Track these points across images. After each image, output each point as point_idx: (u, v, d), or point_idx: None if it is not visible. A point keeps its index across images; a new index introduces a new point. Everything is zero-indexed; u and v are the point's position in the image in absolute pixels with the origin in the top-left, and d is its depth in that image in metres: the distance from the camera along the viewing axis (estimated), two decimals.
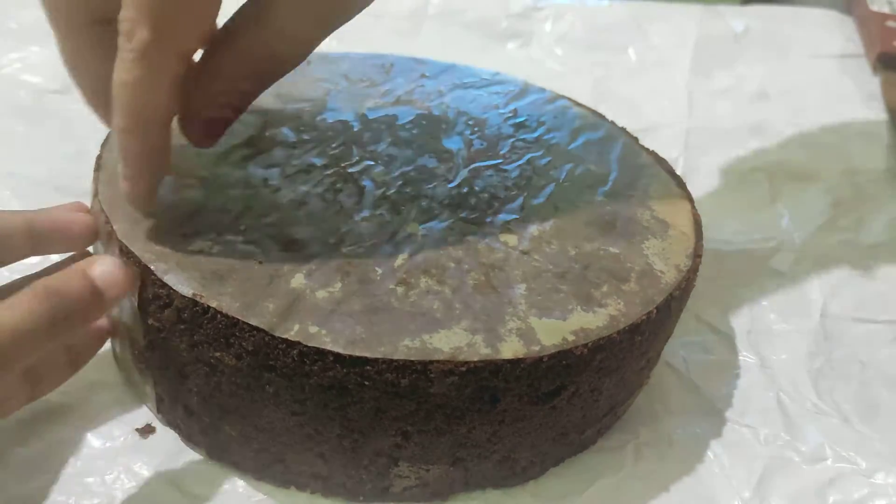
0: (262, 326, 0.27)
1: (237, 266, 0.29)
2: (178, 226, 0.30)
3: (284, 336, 0.27)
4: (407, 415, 0.28)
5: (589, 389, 0.30)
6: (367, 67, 0.43)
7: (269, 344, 0.27)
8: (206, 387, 0.29)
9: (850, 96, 0.61)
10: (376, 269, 0.30)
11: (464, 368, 0.27)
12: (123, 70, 0.26)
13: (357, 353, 0.27)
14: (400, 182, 0.35)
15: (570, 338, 0.29)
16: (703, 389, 0.38)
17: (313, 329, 0.27)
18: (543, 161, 0.38)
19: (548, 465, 0.33)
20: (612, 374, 0.31)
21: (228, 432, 0.30)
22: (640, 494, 0.33)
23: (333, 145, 0.36)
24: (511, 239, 0.33)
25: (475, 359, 0.27)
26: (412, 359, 0.27)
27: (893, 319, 0.43)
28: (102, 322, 0.33)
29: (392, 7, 0.62)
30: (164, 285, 0.28)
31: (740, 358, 0.40)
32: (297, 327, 0.27)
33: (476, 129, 0.39)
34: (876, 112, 0.59)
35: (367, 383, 0.27)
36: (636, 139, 0.41)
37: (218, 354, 0.28)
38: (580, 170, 0.38)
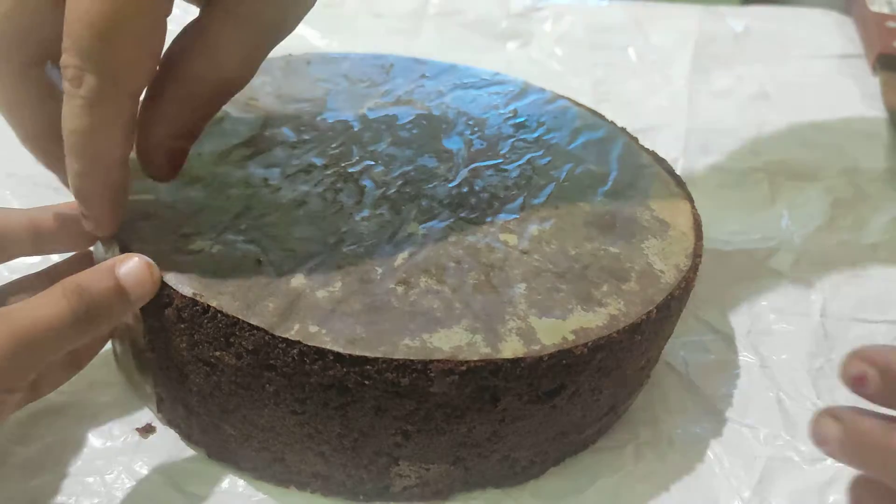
0: (262, 326, 0.27)
1: (237, 266, 0.29)
2: (178, 226, 0.31)
3: (284, 335, 0.27)
4: (407, 414, 0.28)
5: (589, 389, 0.30)
6: (367, 67, 0.43)
7: (270, 343, 0.27)
8: (206, 386, 0.29)
9: (850, 96, 0.61)
10: (376, 268, 0.30)
11: (464, 368, 0.27)
12: (74, 117, 0.25)
13: (357, 353, 0.27)
14: (400, 182, 0.35)
15: (570, 337, 0.29)
16: (702, 389, 0.38)
17: (313, 328, 0.27)
18: (543, 161, 0.38)
19: (548, 464, 0.33)
20: (612, 373, 0.31)
21: (228, 432, 0.30)
22: (640, 494, 0.33)
23: (333, 145, 0.36)
24: (511, 239, 0.33)
25: (475, 358, 0.27)
26: (412, 358, 0.27)
27: (893, 319, 0.43)
28: None
29: (392, 7, 0.62)
30: (164, 285, 0.28)
31: (740, 358, 0.40)
32: (297, 327, 0.27)
33: (476, 129, 0.39)
34: (876, 112, 0.59)
35: (367, 383, 0.27)
36: (636, 139, 0.41)
37: (218, 354, 0.28)
38: (580, 170, 0.38)
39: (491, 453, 0.31)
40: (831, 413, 0.25)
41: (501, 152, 0.38)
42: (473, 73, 0.44)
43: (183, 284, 0.28)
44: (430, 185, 0.35)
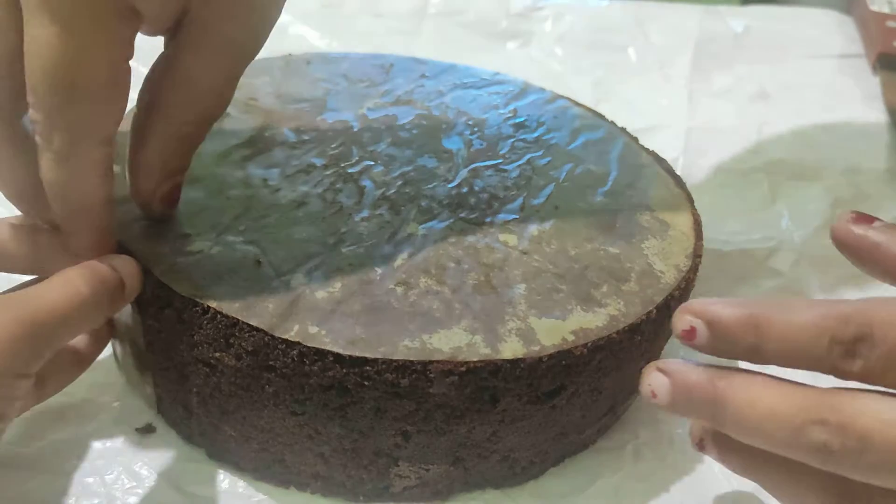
0: (261, 326, 0.27)
1: (237, 266, 0.29)
2: (178, 226, 0.31)
3: (284, 336, 0.27)
4: (407, 415, 0.28)
5: (589, 389, 0.30)
6: (367, 67, 0.43)
7: (269, 344, 0.27)
8: (205, 387, 0.29)
9: (850, 96, 0.61)
10: (376, 269, 0.30)
11: (463, 368, 0.27)
12: (49, 170, 0.26)
13: (357, 353, 0.27)
14: (400, 182, 0.35)
15: (570, 338, 0.29)
16: None
17: (313, 329, 0.27)
18: (543, 161, 0.38)
19: (548, 465, 0.33)
20: (612, 373, 0.31)
21: (228, 432, 0.30)
22: (640, 494, 0.33)
23: (333, 145, 0.36)
24: (511, 239, 0.33)
25: (475, 359, 0.27)
26: (412, 359, 0.27)
27: None
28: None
29: (392, 7, 0.62)
30: (164, 285, 0.28)
31: None
32: (296, 327, 0.27)
33: (476, 129, 0.39)
34: (876, 112, 0.59)
35: (366, 383, 0.27)
36: (636, 139, 0.41)
37: (218, 354, 0.28)
38: (580, 170, 0.38)
39: (490, 454, 0.31)
40: (659, 367, 0.25)
41: (501, 152, 0.38)
42: (473, 73, 0.44)
43: (183, 285, 0.28)
44: (430, 186, 0.35)
